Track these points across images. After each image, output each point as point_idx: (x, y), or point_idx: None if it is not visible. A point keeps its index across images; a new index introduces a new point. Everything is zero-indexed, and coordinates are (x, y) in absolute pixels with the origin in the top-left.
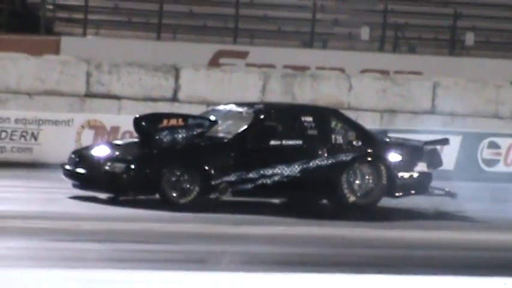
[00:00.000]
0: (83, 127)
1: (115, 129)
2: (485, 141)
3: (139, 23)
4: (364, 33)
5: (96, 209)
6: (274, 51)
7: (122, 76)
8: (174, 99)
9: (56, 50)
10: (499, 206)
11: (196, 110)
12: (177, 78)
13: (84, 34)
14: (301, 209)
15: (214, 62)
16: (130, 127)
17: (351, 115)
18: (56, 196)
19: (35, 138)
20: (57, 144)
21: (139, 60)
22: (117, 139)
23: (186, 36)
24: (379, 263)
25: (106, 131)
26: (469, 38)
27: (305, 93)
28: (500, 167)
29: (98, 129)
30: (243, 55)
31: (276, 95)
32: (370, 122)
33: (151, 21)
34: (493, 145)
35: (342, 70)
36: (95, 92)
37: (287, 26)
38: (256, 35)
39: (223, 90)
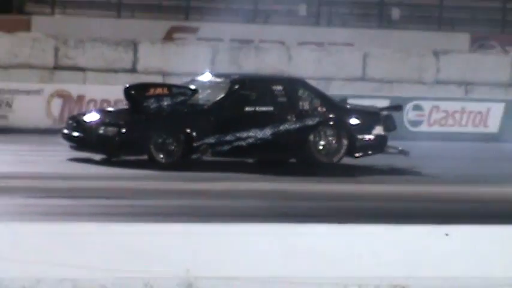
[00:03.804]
0: (52, 96)
1: (81, 98)
2: (410, 105)
3: (102, 3)
4: (302, 9)
5: (75, 169)
6: (222, 26)
7: (87, 50)
8: (133, 70)
9: (27, 28)
10: (440, 162)
11: (154, 79)
12: (135, 51)
13: (53, 13)
14: (270, 167)
15: (168, 37)
16: (94, 96)
17: None
18: (31, 158)
19: (10, 106)
20: (29, 112)
21: (101, 36)
22: (108, 106)
23: (143, 14)
24: (324, 214)
25: (73, 100)
26: (395, 13)
27: (250, 63)
28: (424, 128)
29: (66, 98)
30: (194, 30)
31: (224, 65)
32: None
33: (112, 1)
34: (418, 108)
35: (282, 43)
36: (63, 65)
37: (233, 4)
38: (205, 12)
39: (177, 62)
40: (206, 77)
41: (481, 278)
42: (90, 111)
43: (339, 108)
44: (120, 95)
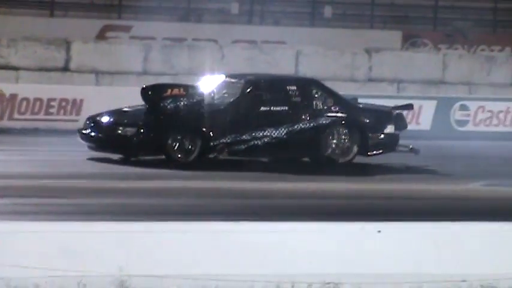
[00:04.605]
0: None
1: (13, 97)
2: None
3: (35, 2)
4: (234, 7)
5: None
6: (154, 25)
7: (19, 49)
8: (66, 69)
9: None
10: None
11: (87, 78)
12: (68, 50)
13: None
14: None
15: (101, 36)
16: (26, 94)
17: None
18: None
19: None
20: None
21: (34, 34)
22: (125, 106)
23: (76, 13)
24: (258, 212)
25: (5, 98)
26: (328, 11)
27: (182, 62)
28: None
29: None
30: (127, 29)
31: (157, 64)
32: None
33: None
34: None
35: (215, 41)
36: None
37: (166, 2)
38: (138, 10)
39: (110, 61)
40: (221, 77)
41: (413, 275)
42: (110, 111)
43: (351, 107)
44: (53, 94)
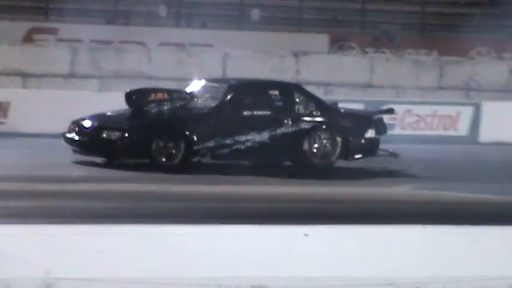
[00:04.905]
0: None
1: None
2: None
3: None
4: (162, 10)
5: None
6: (82, 27)
7: None
8: None
9: None
10: None
11: (13, 81)
12: None
13: None
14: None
15: (28, 38)
16: None
17: (151, 84)
18: None
19: None
20: None
21: None
22: (107, 111)
23: (1, 15)
24: (181, 214)
25: None
26: (255, 14)
27: (110, 65)
28: None
29: None
30: (53, 31)
31: (84, 67)
32: None
33: None
34: None
35: (142, 44)
36: None
37: (93, 5)
38: (65, 13)
39: (37, 63)
40: (201, 82)
41: (340, 278)
42: (94, 115)
43: (333, 112)
44: None
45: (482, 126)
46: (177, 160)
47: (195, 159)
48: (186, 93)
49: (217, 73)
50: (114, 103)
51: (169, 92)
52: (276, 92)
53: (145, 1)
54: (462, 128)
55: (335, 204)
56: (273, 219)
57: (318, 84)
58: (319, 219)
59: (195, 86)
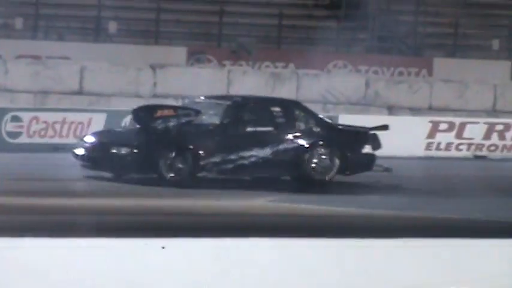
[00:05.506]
0: None
1: None
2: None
3: None
4: (18, 22)
5: None
6: None
7: None
8: None
9: None
10: None
11: None
12: None
13: None
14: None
15: None
16: None
17: (6, 97)
18: None
19: None
20: None
21: None
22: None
23: None
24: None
25: None
26: (112, 26)
27: None
28: None
29: None
30: None
31: None
32: (24, 103)
33: None
34: None
35: None
36: None
37: None
38: None
39: None
40: (203, 99)
41: None
42: (103, 131)
43: (331, 128)
44: None
45: None
46: (184, 175)
47: (201, 174)
48: (192, 109)
49: (74, 86)
50: None
51: (175, 108)
52: (278, 109)
53: (1, 13)
54: None
55: (195, 218)
56: (128, 232)
57: (175, 96)
58: (177, 232)
59: (200, 102)
